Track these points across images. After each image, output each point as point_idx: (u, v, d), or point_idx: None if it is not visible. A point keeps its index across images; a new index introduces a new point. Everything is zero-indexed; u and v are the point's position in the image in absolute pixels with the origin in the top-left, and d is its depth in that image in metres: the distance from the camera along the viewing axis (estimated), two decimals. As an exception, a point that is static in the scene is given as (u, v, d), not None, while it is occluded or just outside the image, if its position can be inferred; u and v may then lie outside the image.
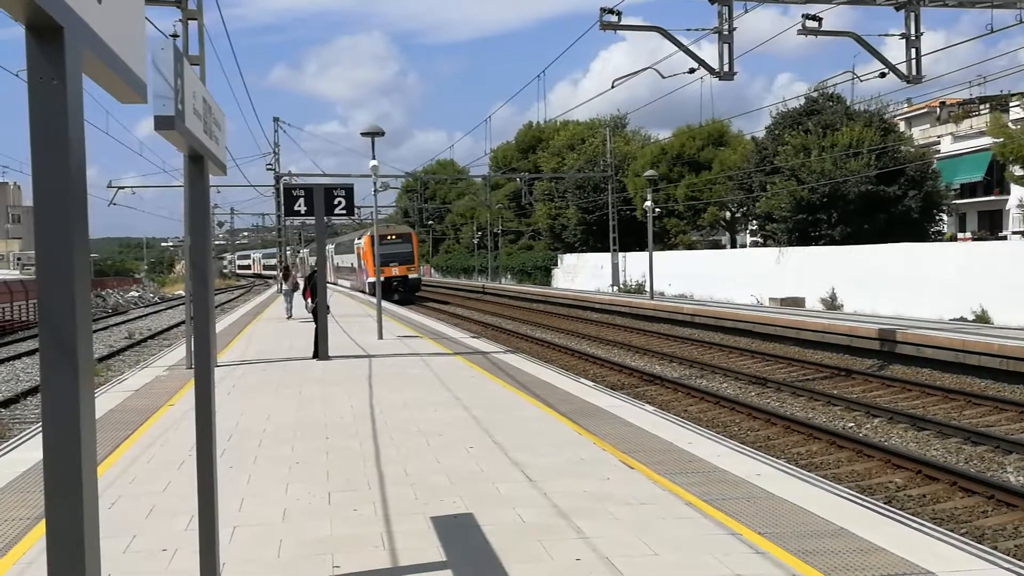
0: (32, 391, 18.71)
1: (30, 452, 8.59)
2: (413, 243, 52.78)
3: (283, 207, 22.27)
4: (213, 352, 4.82)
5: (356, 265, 56.10)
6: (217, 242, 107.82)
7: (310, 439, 9.31)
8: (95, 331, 32.68)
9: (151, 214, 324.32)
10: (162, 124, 3.59)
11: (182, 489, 7.11)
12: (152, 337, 33.17)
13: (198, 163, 4.63)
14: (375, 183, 22.04)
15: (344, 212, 17.82)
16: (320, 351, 17.07)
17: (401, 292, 49.60)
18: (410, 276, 51.13)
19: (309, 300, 20.79)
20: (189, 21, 16.68)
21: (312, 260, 67.96)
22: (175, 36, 16.29)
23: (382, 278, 47.14)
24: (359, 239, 54.92)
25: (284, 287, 30.94)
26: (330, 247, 68.04)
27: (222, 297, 68.02)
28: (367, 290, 49.02)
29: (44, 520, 2.53)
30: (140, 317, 47.68)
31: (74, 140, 2.41)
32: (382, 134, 21.22)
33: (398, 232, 53.51)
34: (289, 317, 28.56)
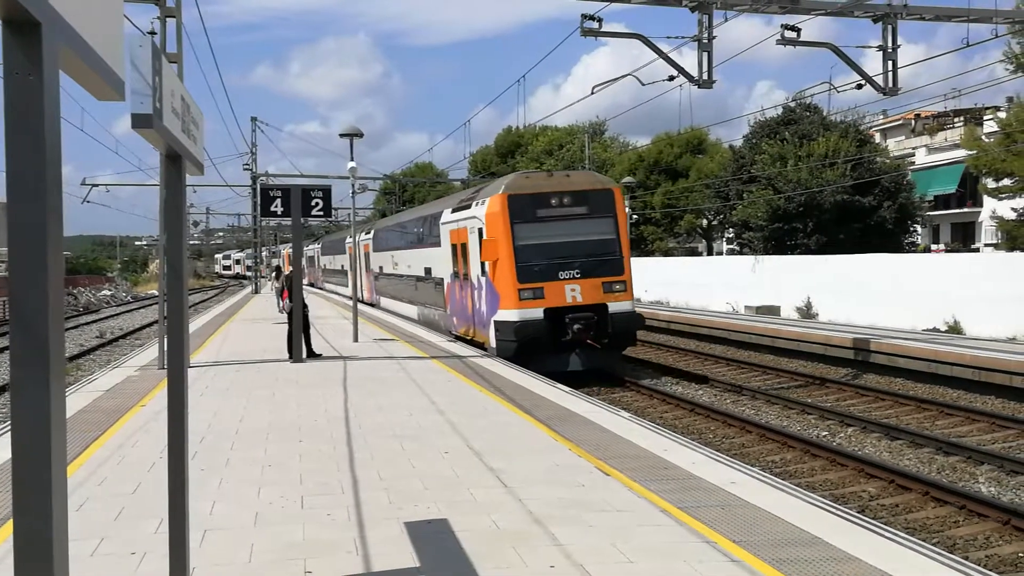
0: (0, 390, 18.47)
1: (-2, 452, 8.47)
2: (619, 218, 19.56)
3: (259, 207, 22.16)
4: (186, 352, 4.76)
5: (451, 273, 22.78)
6: (192, 242, 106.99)
7: (283, 442, 9.24)
8: (65, 330, 32.27)
9: (126, 212, 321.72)
10: (139, 122, 3.55)
11: (152, 491, 7.04)
12: (124, 336, 32.87)
13: (175, 162, 4.58)
14: (353, 185, 21.93)
15: (321, 213, 17.92)
16: (295, 353, 17.00)
17: (589, 352, 18.63)
18: (613, 306, 18.77)
19: (285, 301, 20.65)
20: (167, 18, 16.58)
21: (324, 259, 66.37)
22: (153, 33, 16.18)
23: (541, 310, 18.43)
24: (454, 212, 22.35)
25: (276, 285, 34.67)
26: (365, 237, 38.84)
27: (195, 297, 67.47)
28: (492, 343, 18.95)
29: (11, 521, 2.48)
30: (112, 316, 47.25)
31: (50, 136, 2.38)
32: (360, 135, 21.19)
33: (578, 188, 19.58)
34: (281, 311, 31.38)
